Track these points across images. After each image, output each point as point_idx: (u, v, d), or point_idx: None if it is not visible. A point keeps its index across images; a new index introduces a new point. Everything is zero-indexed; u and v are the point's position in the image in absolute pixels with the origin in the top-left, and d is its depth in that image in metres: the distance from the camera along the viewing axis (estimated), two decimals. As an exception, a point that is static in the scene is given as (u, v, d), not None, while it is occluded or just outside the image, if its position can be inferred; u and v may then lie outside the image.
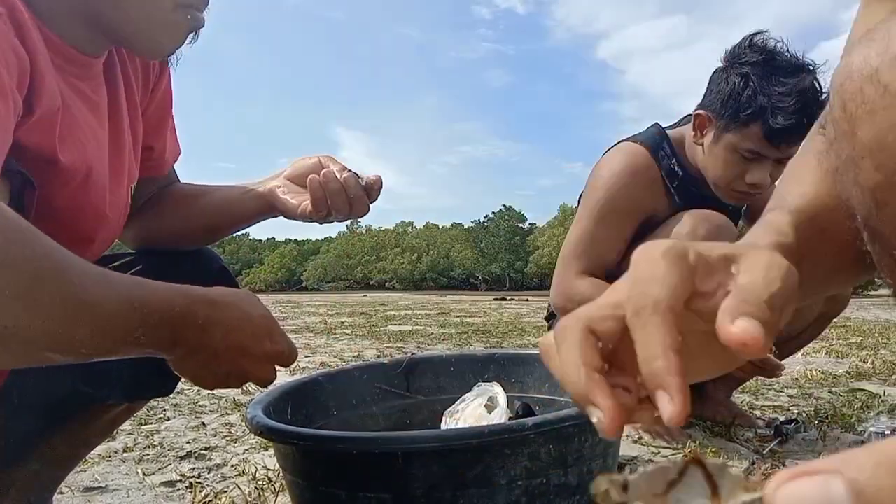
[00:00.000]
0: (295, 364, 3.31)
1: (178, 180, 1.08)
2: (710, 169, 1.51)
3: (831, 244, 0.54)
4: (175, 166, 1.07)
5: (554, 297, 1.59)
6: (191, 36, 0.81)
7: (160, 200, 1.03)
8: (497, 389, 1.18)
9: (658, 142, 1.58)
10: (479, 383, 1.24)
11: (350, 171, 0.91)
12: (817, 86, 1.39)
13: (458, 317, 7.55)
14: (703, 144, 1.52)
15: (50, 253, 0.51)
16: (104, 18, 0.75)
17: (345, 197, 0.89)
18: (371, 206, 0.94)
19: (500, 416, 1.13)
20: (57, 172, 0.72)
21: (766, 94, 1.37)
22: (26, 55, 0.63)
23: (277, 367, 0.73)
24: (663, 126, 1.66)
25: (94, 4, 0.74)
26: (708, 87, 1.52)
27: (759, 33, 1.45)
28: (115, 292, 0.55)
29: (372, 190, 0.91)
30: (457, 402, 1.20)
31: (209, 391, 2.37)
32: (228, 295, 0.68)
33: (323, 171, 0.91)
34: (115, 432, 1.65)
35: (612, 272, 1.54)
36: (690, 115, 1.56)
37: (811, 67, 1.42)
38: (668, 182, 1.56)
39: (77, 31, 0.76)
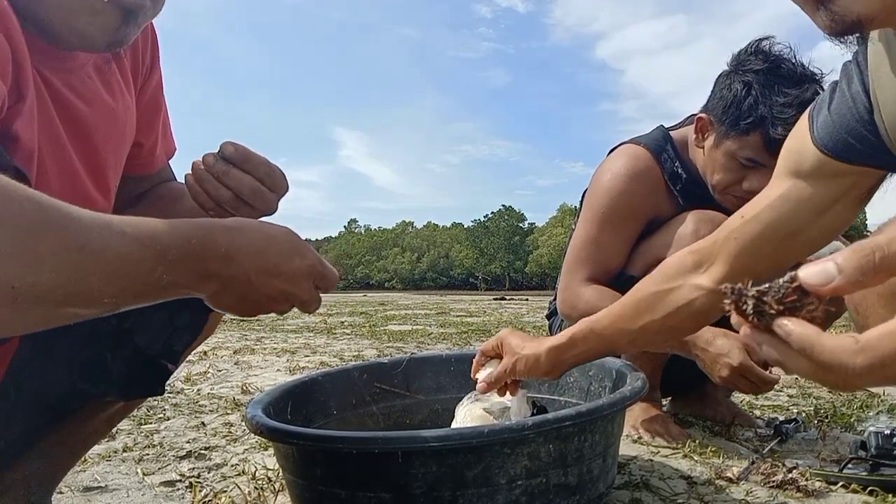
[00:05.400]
0: (295, 364, 3.27)
1: (173, 178, 1.06)
2: (708, 172, 1.51)
3: None
4: (174, 166, 1.07)
5: (560, 304, 1.58)
6: (128, 23, 0.75)
7: (143, 199, 1.02)
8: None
9: (662, 144, 1.57)
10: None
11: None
12: None
13: (458, 316, 7.55)
14: (703, 147, 1.52)
15: (43, 205, 0.50)
16: (25, 10, 0.71)
17: (213, 182, 0.80)
18: (273, 192, 0.81)
19: (519, 406, 1.15)
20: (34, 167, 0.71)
21: (767, 104, 1.36)
22: (6, 42, 0.62)
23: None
24: (667, 126, 1.65)
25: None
26: (712, 91, 1.51)
27: (766, 38, 1.43)
28: (119, 233, 0.53)
29: (246, 164, 0.80)
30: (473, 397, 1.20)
31: (209, 391, 2.37)
32: (246, 220, 0.65)
33: (192, 163, 0.83)
34: (114, 432, 1.65)
35: (616, 275, 1.53)
36: (695, 114, 1.56)
37: (816, 77, 1.40)
38: (671, 185, 1.55)
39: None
